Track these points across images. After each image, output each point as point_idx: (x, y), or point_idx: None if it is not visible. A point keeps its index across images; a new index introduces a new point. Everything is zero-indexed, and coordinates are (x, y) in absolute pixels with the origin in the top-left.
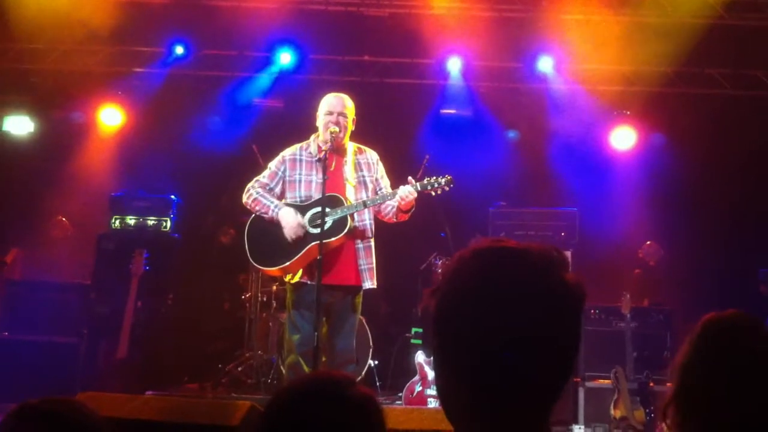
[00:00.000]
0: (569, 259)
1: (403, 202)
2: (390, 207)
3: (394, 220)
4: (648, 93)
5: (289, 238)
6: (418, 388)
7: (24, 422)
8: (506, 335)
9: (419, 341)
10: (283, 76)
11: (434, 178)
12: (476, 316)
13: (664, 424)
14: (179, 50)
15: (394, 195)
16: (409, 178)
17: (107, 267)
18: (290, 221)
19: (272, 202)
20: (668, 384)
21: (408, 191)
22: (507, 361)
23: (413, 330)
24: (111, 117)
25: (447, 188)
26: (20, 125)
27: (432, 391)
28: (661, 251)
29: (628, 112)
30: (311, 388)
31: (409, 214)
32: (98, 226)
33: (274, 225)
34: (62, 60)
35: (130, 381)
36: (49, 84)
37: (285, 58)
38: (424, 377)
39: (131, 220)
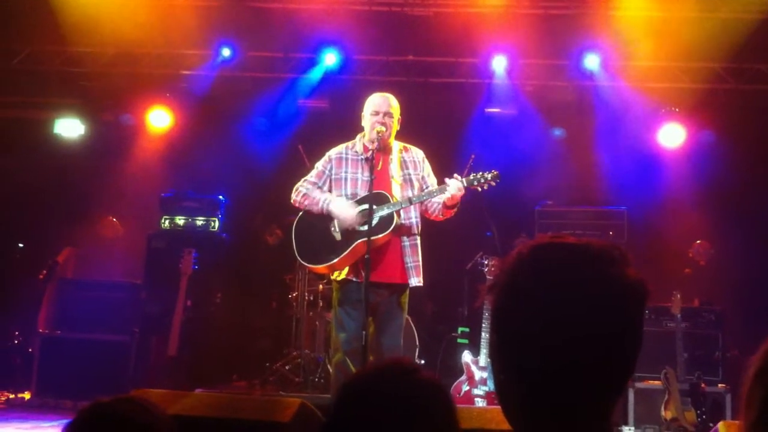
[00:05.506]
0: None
1: (451, 199)
2: (436, 204)
3: (440, 217)
4: (697, 89)
5: (335, 231)
6: (465, 388)
7: (96, 422)
8: (566, 331)
9: (466, 341)
10: (328, 77)
11: (480, 173)
12: (536, 312)
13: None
14: (226, 52)
15: (442, 190)
16: (455, 175)
17: (157, 266)
18: (344, 210)
19: (322, 195)
20: (720, 384)
21: (456, 187)
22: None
23: (459, 329)
24: (159, 119)
25: (494, 183)
26: (71, 128)
27: (479, 391)
28: (711, 250)
29: (677, 109)
30: (381, 371)
31: (454, 210)
32: (148, 226)
33: (321, 222)
34: (111, 63)
35: (179, 378)
36: (98, 87)
37: (330, 59)
38: (471, 377)
39: (180, 220)
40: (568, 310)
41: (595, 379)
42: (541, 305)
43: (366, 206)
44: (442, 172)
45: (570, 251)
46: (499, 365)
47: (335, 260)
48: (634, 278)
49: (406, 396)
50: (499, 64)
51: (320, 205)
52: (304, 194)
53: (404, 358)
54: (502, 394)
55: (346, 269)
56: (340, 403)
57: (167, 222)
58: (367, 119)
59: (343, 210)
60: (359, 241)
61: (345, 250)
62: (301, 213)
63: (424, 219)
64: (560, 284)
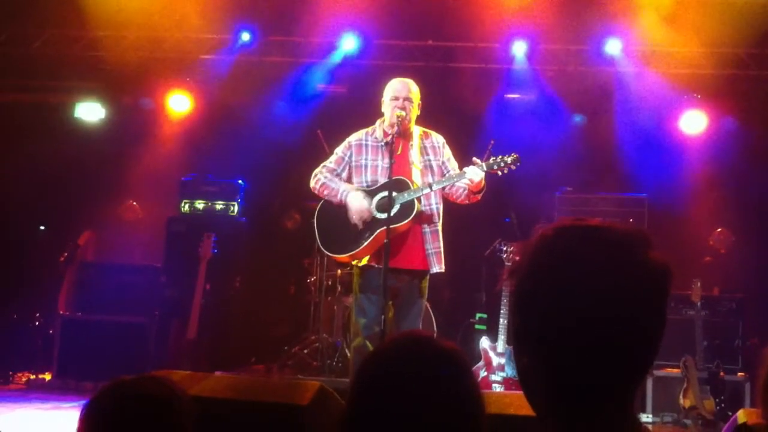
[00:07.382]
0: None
1: (472, 184)
2: (461, 189)
3: (467, 201)
4: (719, 76)
5: (354, 223)
6: (483, 374)
7: (117, 399)
8: (590, 314)
9: (483, 327)
10: (347, 62)
11: (500, 157)
12: (558, 296)
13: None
14: (245, 37)
15: (462, 176)
16: (474, 158)
17: (177, 250)
18: (358, 205)
19: (340, 186)
20: (739, 373)
21: (475, 172)
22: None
23: (477, 315)
24: (179, 103)
25: (514, 167)
26: (92, 112)
27: (497, 377)
28: (732, 238)
29: (699, 96)
30: (397, 344)
31: (481, 194)
32: (168, 209)
33: (343, 211)
34: (131, 47)
35: (199, 361)
36: (119, 71)
37: (349, 43)
38: (488, 363)
39: (200, 204)
40: (591, 292)
41: (618, 363)
42: (564, 287)
43: (385, 194)
44: (461, 158)
45: (593, 234)
46: (521, 349)
47: (357, 250)
48: (658, 261)
49: (424, 364)
50: (519, 49)
51: (338, 198)
52: (323, 184)
53: (418, 330)
54: (524, 378)
55: (368, 256)
56: (360, 379)
57: (187, 206)
58: (386, 104)
59: (356, 203)
60: (381, 229)
61: (367, 240)
62: (322, 201)
63: (446, 204)
64: (583, 267)
